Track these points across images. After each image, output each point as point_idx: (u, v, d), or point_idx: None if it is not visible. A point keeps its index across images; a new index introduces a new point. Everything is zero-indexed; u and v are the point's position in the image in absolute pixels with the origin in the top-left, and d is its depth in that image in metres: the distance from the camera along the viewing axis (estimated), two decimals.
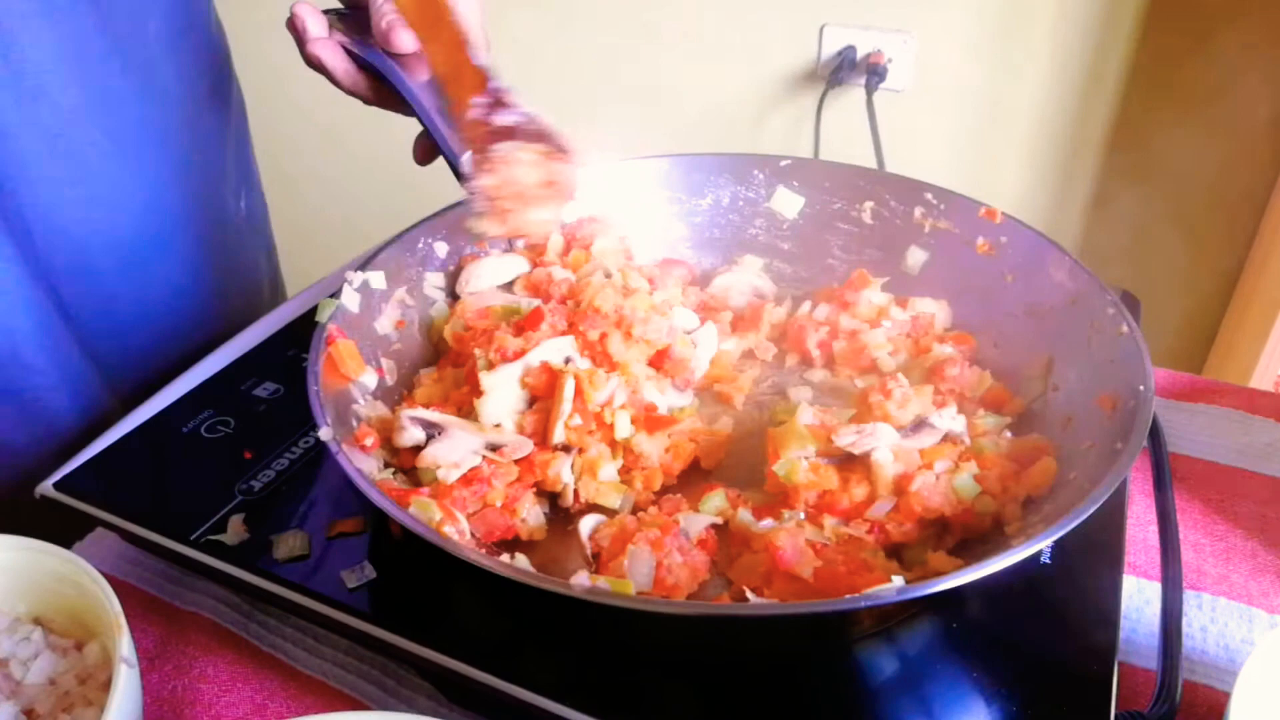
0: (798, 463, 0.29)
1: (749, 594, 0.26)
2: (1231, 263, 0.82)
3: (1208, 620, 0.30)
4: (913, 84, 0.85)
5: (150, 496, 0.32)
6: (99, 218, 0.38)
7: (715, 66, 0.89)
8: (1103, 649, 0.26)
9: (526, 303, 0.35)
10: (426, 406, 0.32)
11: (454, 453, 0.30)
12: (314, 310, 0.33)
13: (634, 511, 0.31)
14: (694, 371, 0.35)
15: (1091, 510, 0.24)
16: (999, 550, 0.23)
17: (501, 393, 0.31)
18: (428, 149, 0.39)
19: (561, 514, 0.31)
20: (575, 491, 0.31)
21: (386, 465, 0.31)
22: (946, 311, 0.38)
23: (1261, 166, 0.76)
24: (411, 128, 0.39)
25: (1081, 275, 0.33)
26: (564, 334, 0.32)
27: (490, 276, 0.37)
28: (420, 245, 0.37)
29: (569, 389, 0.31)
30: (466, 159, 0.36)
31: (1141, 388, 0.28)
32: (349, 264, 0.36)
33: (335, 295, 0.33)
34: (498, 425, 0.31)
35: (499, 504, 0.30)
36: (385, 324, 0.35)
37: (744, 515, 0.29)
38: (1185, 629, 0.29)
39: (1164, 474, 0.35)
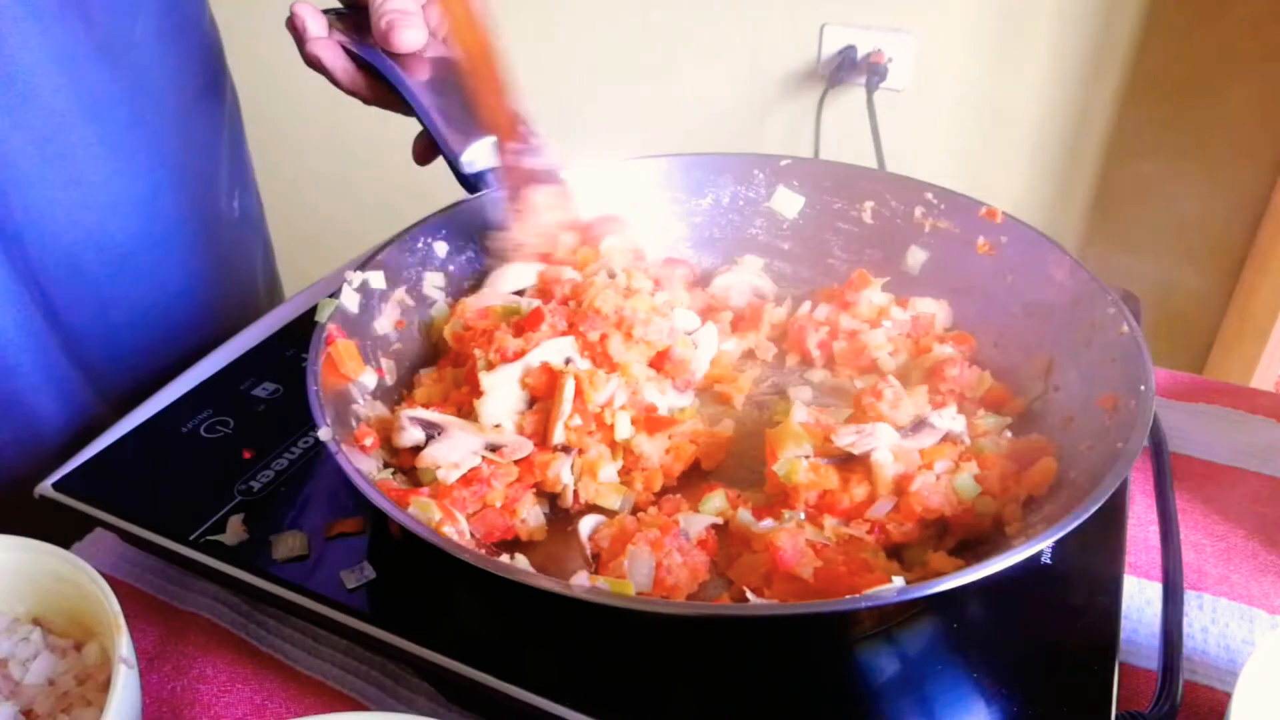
0: (798, 462, 0.29)
1: (749, 594, 0.26)
2: (1232, 262, 0.82)
3: (1208, 621, 0.30)
4: (913, 83, 0.85)
5: (149, 497, 0.32)
6: (92, 221, 0.38)
7: (716, 66, 0.89)
8: (1103, 649, 0.26)
9: (526, 303, 0.35)
10: (426, 407, 0.32)
11: (454, 453, 0.30)
12: (313, 310, 0.33)
13: (634, 512, 0.31)
14: (694, 372, 0.35)
15: (1092, 510, 0.24)
16: (999, 550, 0.23)
17: (501, 393, 0.31)
18: (427, 148, 0.39)
19: (561, 514, 0.31)
20: (575, 492, 0.31)
21: (386, 465, 0.31)
22: (947, 311, 0.38)
23: (1262, 165, 0.76)
24: (410, 128, 0.39)
25: (1082, 275, 0.33)
26: (564, 334, 0.32)
27: (516, 280, 0.37)
28: (420, 245, 0.37)
29: (569, 390, 0.31)
30: (465, 158, 0.36)
31: (1142, 387, 0.28)
32: (348, 264, 0.36)
33: (335, 295, 0.33)
34: (497, 426, 0.31)
35: (499, 504, 0.30)
36: (385, 324, 0.35)
37: (744, 515, 0.29)
38: (1186, 629, 0.29)
39: (1165, 474, 0.35)
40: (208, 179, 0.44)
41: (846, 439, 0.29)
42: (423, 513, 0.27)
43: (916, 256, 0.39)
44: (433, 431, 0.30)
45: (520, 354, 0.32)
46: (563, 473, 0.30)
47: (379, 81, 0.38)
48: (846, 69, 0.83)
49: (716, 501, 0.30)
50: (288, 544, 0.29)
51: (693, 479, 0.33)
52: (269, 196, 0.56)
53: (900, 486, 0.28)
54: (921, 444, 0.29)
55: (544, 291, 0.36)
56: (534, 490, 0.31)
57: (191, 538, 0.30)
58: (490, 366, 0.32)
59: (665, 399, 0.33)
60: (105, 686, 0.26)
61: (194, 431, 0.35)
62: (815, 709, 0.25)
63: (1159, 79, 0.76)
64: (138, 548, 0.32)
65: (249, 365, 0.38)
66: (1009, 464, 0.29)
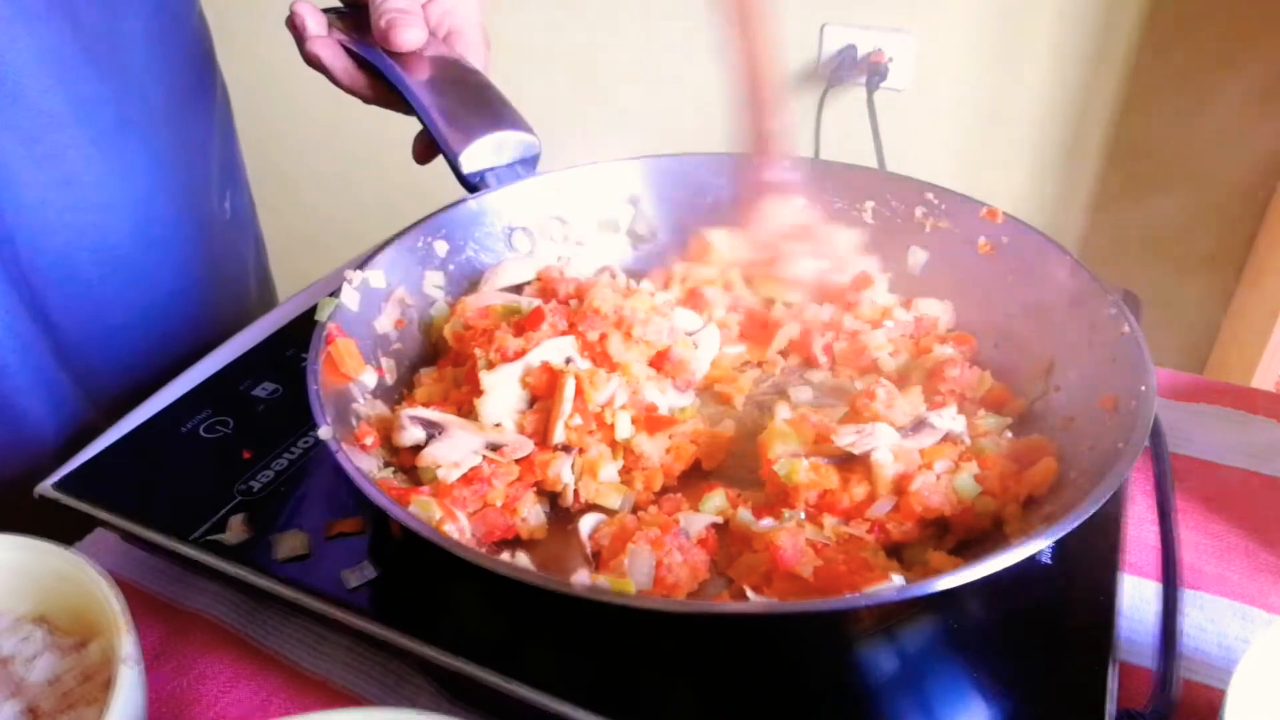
0: (798, 462, 0.29)
1: (749, 593, 0.26)
2: (1232, 262, 0.82)
3: (1206, 620, 0.30)
4: (913, 83, 0.85)
5: (149, 496, 0.32)
6: (84, 222, 0.38)
7: (715, 66, 0.89)
8: (1101, 648, 0.26)
9: (527, 302, 0.35)
10: (426, 406, 0.32)
11: (454, 452, 0.30)
12: (312, 310, 0.33)
13: (634, 511, 0.31)
14: (694, 373, 0.35)
15: (1092, 510, 0.24)
16: (999, 550, 0.23)
17: (502, 392, 0.31)
18: (426, 148, 0.39)
19: (562, 513, 0.31)
20: (575, 491, 0.31)
21: (386, 464, 0.31)
22: (950, 312, 0.38)
23: (1263, 164, 0.76)
24: (409, 127, 0.39)
25: (1082, 275, 0.33)
26: (564, 334, 0.32)
27: (513, 275, 0.37)
28: (420, 244, 0.37)
29: (569, 389, 0.31)
30: (465, 158, 0.36)
31: (1143, 388, 0.28)
32: (347, 264, 0.36)
33: (335, 294, 0.33)
34: (498, 425, 0.31)
35: (499, 503, 0.30)
36: (385, 323, 0.35)
37: (744, 515, 0.29)
38: (1184, 628, 0.29)
39: (1164, 474, 0.35)
40: (199, 179, 0.44)
41: (847, 439, 0.29)
42: (423, 511, 0.27)
43: (917, 257, 0.39)
44: (433, 430, 0.30)
45: (521, 353, 0.32)
46: (563, 472, 0.31)
47: (379, 80, 0.38)
48: (847, 69, 0.83)
49: (716, 500, 0.30)
50: (289, 543, 0.30)
51: (693, 478, 0.33)
52: (266, 196, 0.56)
53: (900, 486, 0.29)
54: (921, 444, 0.30)
55: (545, 291, 0.37)
56: (534, 489, 0.31)
57: (193, 537, 0.30)
58: (491, 366, 0.32)
59: (665, 399, 0.34)
60: (108, 685, 0.26)
61: (194, 431, 0.35)
62: (814, 706, 0.25)
63: (1158, 79, 0.76)
64: (139, 547, 0.32)
65: (248, 365, 0.38)
66: (1009, 464, 0.29)
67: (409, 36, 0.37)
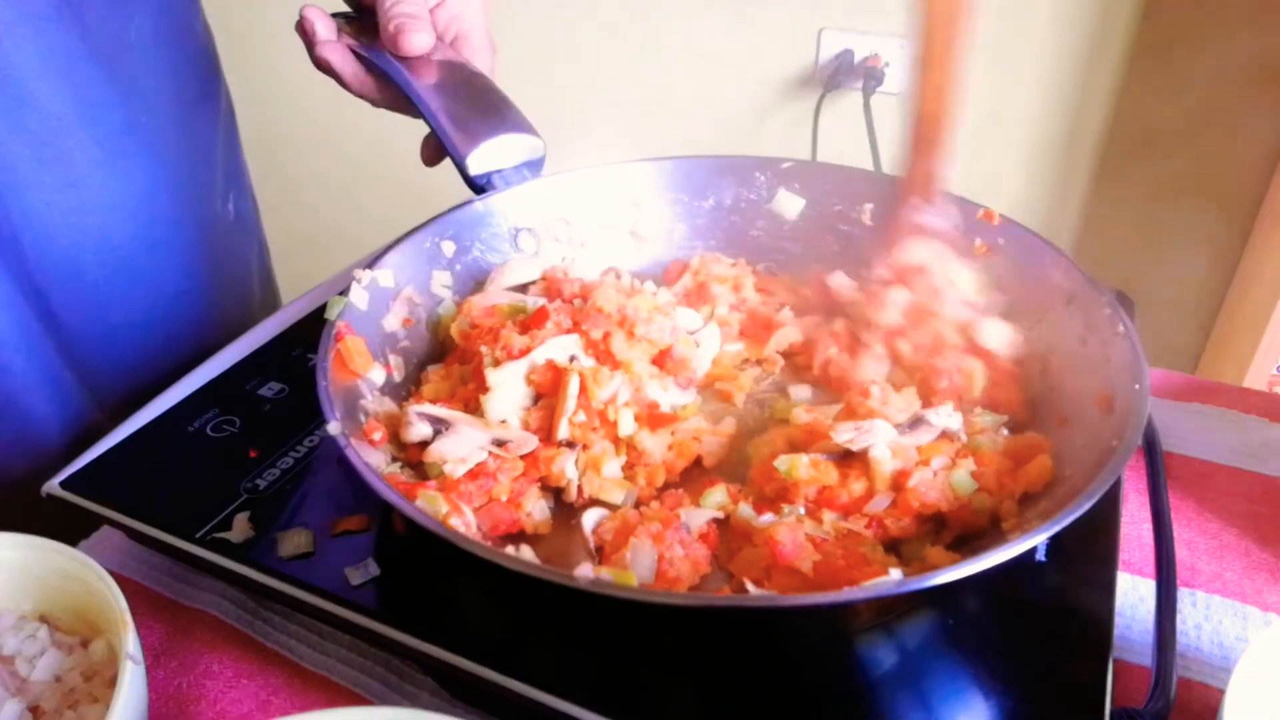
0: (798, 458, 0.29)
1: (749, 586, 0.26)
2: (1225, 263, 0.82)
3: (1202, 618, 0.31)
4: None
5: (156, 495, 0.32)
6: (89, 224, 0.38)
7: (714, 70, 0.90)
8: (1098, 646, 0.26)
9: (532, 301, 0.36)
10: (434, 402, 0.32)
11: (460, 448, 0.30)
12: (318, 311, 0.33)
13: (636, 506, 0.31)
14: (696, 371, 0.36)
15: (1087, 507, 0.24)
16: (996, 546, 0.23)
17: (507, 389, 0.32)
18: (435, 150, 0.39)
19: (565, 508, 0.32)
20: (579, 487, 0.31)
21: (394, 460, 0.32)
22: (1015, 338, 0.35)
23: (1256, 167, 0.77)
24: (413, 130, 0.40)
25: (1078, 276, 0.34)
26: (569, 332, 0.33)
27: (518, 274, 0.38)
28: (428, 244, 0.38)
29: (573, 386, 0.31)
30: (472, 160, 0.37)
31: (1137, 387, 0.28)
32: (353, 264, 0.36)
33: (344, 293, 0.33)
34: (503, 421, 0.31)
35: (504, 498, 0.30)
36: (393, 321, 0.35)
37: (744, 510, 0.29)
38: (1179, 626, 0.29)
39: (1158, 472, 0.35)
40: (203, 182, 0.44)
41: (845, 436, 0.29)
42: (430, 506, 0.28)
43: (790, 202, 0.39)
44: (440, 427, 0.31)
45: (526, 351, 0.32)
46: (567, 468, 0.31)
47: (387, 84, 0.39)
48: (844, 73, 0.84)
49: (717, 496, 0.30)
50: (293, 541, 0.30)
51: (694, 474, 0.33)
52: (270, 198, 0.56)
53: (898, 482, 0.29)
54: (919, 441, 0.30)
55: (550, 290, 0.37)
56: (539, 484, 0.31)
57: (198, 535, 0.30)
58: (496, 363, 0.32)
59: (668, 396, 0.34)
60: (112, 683, 0.26)
61: (200, 431, 0.35)
62: (814, 705, 0.25)
63: (1153, 81, 0.77)
64: (144, 545, 0.32)
65: (255, 365, 0.39)
66: (1005, 461, 0.30)
67: (417, 41, 0.37)
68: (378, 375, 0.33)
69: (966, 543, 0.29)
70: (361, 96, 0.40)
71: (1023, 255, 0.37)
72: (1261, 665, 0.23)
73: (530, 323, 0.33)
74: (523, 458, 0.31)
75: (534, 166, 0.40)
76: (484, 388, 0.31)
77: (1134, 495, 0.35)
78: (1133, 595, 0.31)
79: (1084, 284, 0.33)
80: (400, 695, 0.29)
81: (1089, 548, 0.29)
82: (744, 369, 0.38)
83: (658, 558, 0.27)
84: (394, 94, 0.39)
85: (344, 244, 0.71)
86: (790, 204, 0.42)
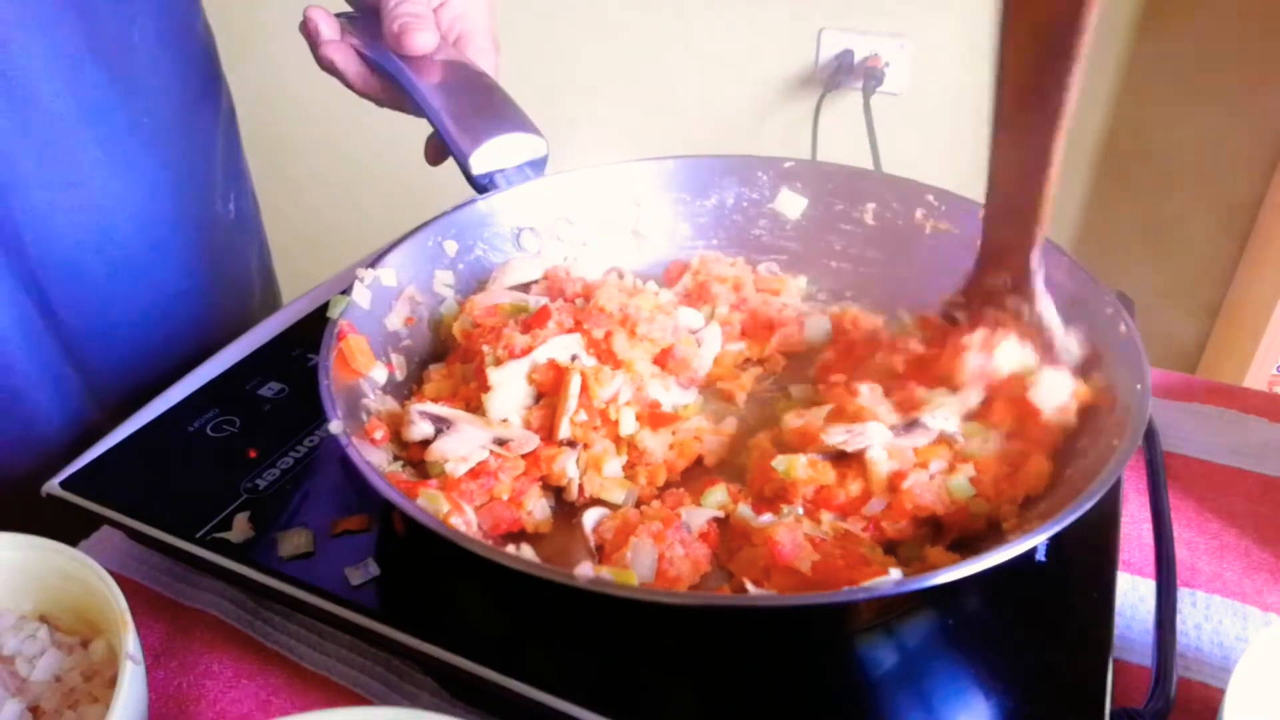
0: (796, 458, 0.29)
1: (749, 586, 0.26)
2: (1225, 263, 0.83)
3: (1202, 617, 0.31)
4: (909, 87, 0.86)
5: (156, 495, 0.32)
6: (92, 223, 0.38)
7: (715, 70, 0.90)
8: (1098, 646, 0.26)
9: (534, 301, 0.36)
10: (435, 401, 0.32)
11: (462, 447, 0.30)
12: (318, 312, 0.33)
13: (637, 505, 0.31)
14: (697, 370, 0.35)
15: (1087, 507, 0.24)
16: (995, 546, 0.23)
17: (509, 389, 0.32)
18: (439, 150, 0.39)
19: (566, 507, 0.32)
20: (580, 486, 0.31)
21: (395, 458, 0.32)
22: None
23: (1255, 167, 0.77)
24: (415, 129, 0.40)
25: (1080, 275, 0.34)
26: (570, 332, 0.33)
27: (521, 274, 0.38)
28: (430, 243, 0.38)
29: (575, 386, 0.31)
30: (475, 160, 0.37)
31: (1138, 387, 0.28)
32: (354, 264, 0.36)
33: (346, 292, 0.33)
34: (505, 420, 0.31)
35: (505, 497, 0.30)
36: (395, 320, 0.35)
37: (744, 510, 0.29)
38: (1179, 626, 0.29)
39: (1158, 472, 0.35)
40: (205, 182, 0.44)
41: (837, 438, 0.29)
42: (431, 504, 0.28)
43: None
44: (441, 425, 0.31)
45: (527, 350, 0.32)
46: (568, 467, 0.31)
47: (391, 84, 0.39)
48: (844, 73, 0.84)
49: (718, 495, 0.30)
50: (293, 541, 0.30)
51: (695, 473, 0.33)
52: (271, 198, 0.56)
53: (893, 484, 0.29)
54: (915, 443, 0.30)
55: (552, 290, 0.37)
56: (540, 483, 0.31)
57: (198, 535, 0.30)
58: (498, 363, 0.32)
59: (669, 396, 0.34)
60: (112, 683, 0.26)
61: (200, 431, 0.35)
62: (814, 705, 0.25)
63: (1151, 82, 0.77)
64: (144, 545, 0.32)
65: (255, 365, 0.39)
66: (1002, 465, 0.30)
67: (420, 41, 0.37)
68: (380, 374, 0.33)
69: (967, 544, 0.29)
70: (365, 96, 0.40)
71: None
72: (1261, 665, 0.23)
73: (532, 322, 0.33)
74: (524, 457, 0.31)
75: (536, 166, 0.40)
76: (485, 387, 0.31)
77: (1134, 495, 0.35)
78: (1133, 595, 0.31)
79: (1087, 284, 0.33)
80: (400, 695, 0.29)
81: (1089, 548, 0.29)
82: (745, 368, 0.38)
83: (658, 557, 0.27)
84: (397, 94, 0.39)
85: (345, 244, 0.71)
86: (792, 204, 0.42)
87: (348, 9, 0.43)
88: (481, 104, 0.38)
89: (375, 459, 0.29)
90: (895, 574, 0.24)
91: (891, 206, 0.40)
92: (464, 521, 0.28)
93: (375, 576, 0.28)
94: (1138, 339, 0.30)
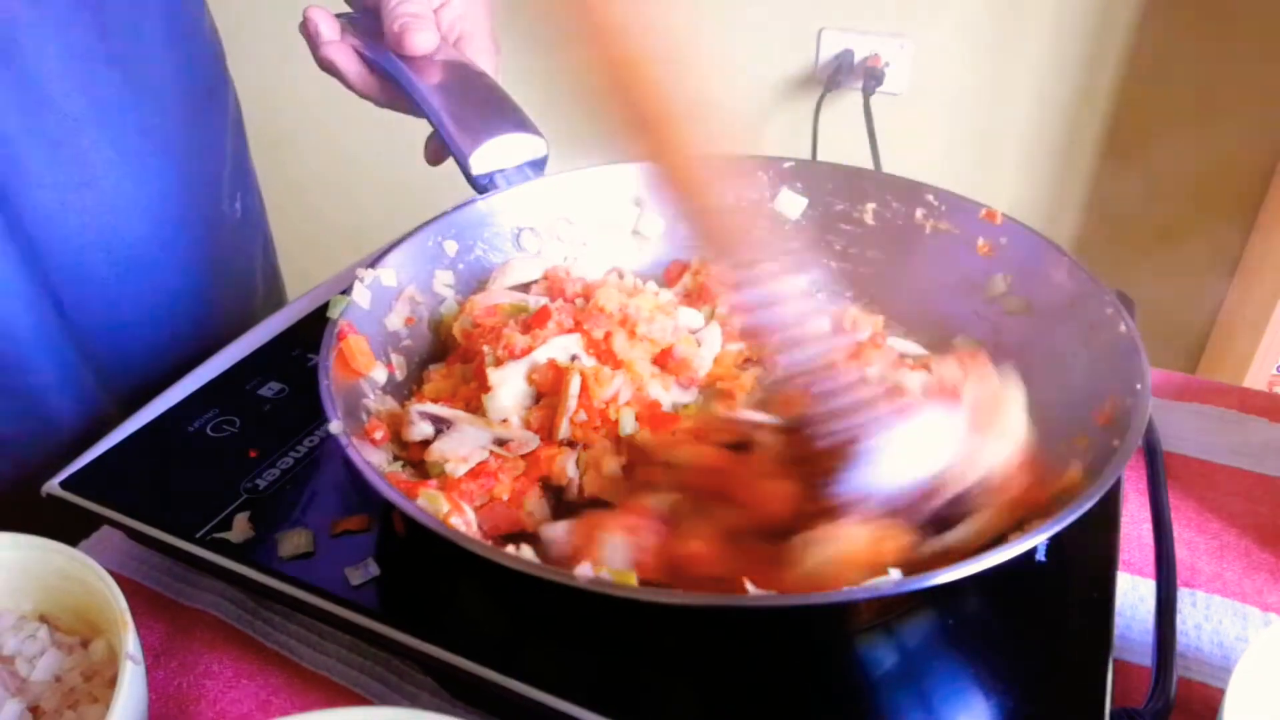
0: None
1: (750, 586, 0.26)
2: (1225, 263, 0.83)
3: (1202, 618, 0.31)
4: (909, 87, 0.86)
5: (156, 495, 0.32)
6: (102, 223, 0.38)
7: (715, 70, 0.90)
8: (1098, 646, 0.26)
9: (534, 301, 0.36)
10: (435, 401, 0.32)
11: (462, 447, 0.30)
12: (318, 312, 0.33)
13: None
14: (697, 370, 0.36)
15: (1087, 507, 0.24)
16: (995, 547, 0.23)
17: (509, 389, 0.32)
18: (438, 150, 0.39)
19: (566, 507, 0.32)
20: (580, 486, 0.31)
21: (395, 459, 0.32)
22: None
23: (1255, 168, 0.77)
24: (411, 130, 0.40)
25: (1080, 275, 0.34)
26: (570, 332, 0.33)
27: (520, 274, 0.38)
28: (430, 244, 0.38)
29: (575, 386, 0.31)
30: (475, 160, 0.37)
31: (1139, 386, 0.28)
32: (355, 264, 0.36)
33: (346, 292, 0.33)
34: (505, 420, 0.31)
35: (505, 497, 0.30)
36: (395, 320, 0.35)
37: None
38: (1179, 626, 0.29)
39: (1158, 472, 0.35)
40: (212, 181, 0.45)
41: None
42: (431, 504, 0.28)
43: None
44: (441, 426, 0.31)
45: (527, 350, 0.32)
46: (568, 467, 0.31)
47: (391, 84, 0.39)
48: (844, 73, 0.84)
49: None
50: (293, 541, 0.30)
51: None
52: (273, 197, 0.56)
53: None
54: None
55: (552, 290, 0.37)
56: (540, 483, 0.31)
57: (198, 535, 0.30)
58: (498, 363, 0.32)
59: (669, 396, 0.34)
60: (112, 683, 0.26)
61: (200, 431, 0.35)
62: (813, 705, 0.25)
63: (1153, 83, 0.77)
64: (145, 545, 0.32)
65: (255, 365, 0.39)
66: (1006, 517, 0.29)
67: (421, 41, 0.37)
68: (380, 374, 0.33)
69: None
70: (365, 96, 0.40)
71: (1025, 255, 0.37)
72: (1261, 665, 0.23)
73: (532, 322, 0.33)
74: (524, 457, 0.31)
75: (536, 166, 0.40)
76: (485, 387, 0.31)
77: (1134, 495, 0.35)
78: (1133, 595, 0.31)
79: (1087, 284, 0.33)
80: (400, 695, 0.29)
81: (1089, 548, 0.29)
82: (745, 368, 0.38)
83: (630, 549, 0.27)
84: (397, 94, 0.39)
85: (345, 243, 0.71)
86: (793, 204, 0.42)
87: (348, 9, 0.43)
88: (481, 104, 0.38)
89: (375, 459, 0.30)
90: (896, 574, 0.24)
91: (891, 206, 0.40)
92: (464, 522, 0.28)
93: (375, 576, 0.28)
94: (1138, 339, 0.30)
